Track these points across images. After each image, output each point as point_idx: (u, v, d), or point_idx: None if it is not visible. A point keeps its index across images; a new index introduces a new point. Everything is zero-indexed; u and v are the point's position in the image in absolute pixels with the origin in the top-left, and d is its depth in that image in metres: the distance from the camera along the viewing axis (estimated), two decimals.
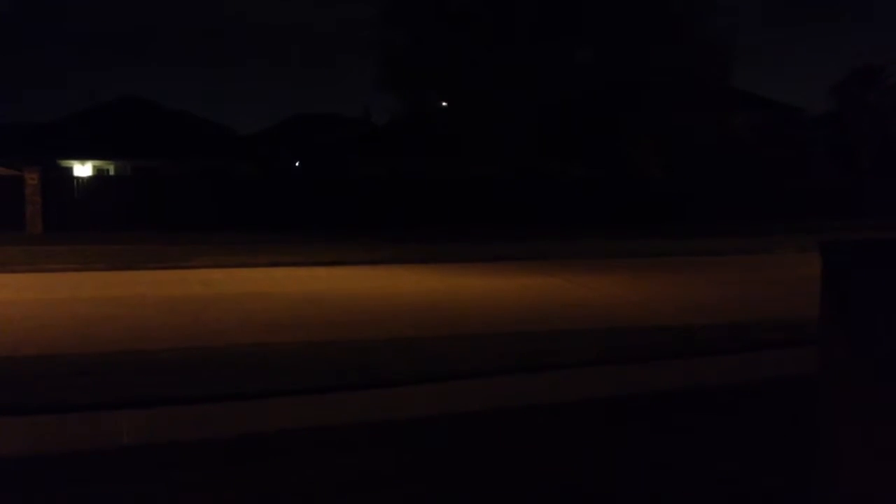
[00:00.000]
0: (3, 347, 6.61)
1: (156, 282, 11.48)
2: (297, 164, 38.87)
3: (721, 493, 3.59)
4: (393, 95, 36.44)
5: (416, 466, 3.93)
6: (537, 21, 24.31)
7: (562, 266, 13.51)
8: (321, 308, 9.06)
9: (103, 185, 24.23)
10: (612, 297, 10.06)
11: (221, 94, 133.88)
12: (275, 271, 13.04)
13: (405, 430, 4.54)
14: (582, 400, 5.24)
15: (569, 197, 25.40)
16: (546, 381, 5.78)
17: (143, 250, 15.87)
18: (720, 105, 25.21)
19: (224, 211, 22.59)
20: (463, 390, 5.51)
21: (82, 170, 30.56)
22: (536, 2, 24.56)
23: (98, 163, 31.31)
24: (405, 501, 3.50)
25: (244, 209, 22.83)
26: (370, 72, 48.81)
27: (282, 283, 11.50)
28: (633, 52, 24.90)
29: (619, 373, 6.06)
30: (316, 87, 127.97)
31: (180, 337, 7.18)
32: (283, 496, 3.55)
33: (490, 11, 24.49)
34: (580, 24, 25.42)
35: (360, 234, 20.02)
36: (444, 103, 27.98)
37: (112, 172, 31.03)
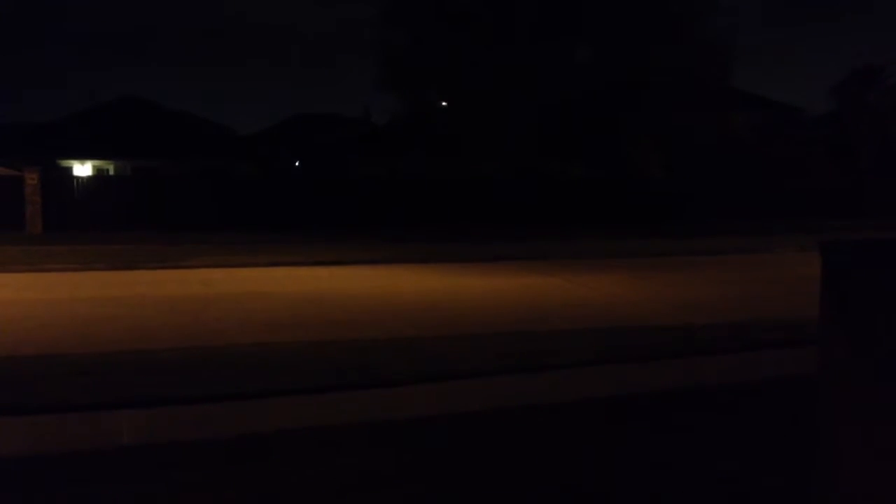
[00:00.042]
0: (3, 347, 6.61)
1: (156, 281, 11.48)
2: (297, 163, 38.88)
3: (721, 492, 3.59)
4: (393, 95, 36.53)
5: (416, 466, 3.93)
6: (537, 21, 24.32)
7: (562, 266, 13.52)
8: (321, 308, 9.06)
9: (103, 185, 24.23)
10: (612, 296, 10.06)
11: (221, 94, 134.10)
12: (275, 271, 13.04)
13: (405, 430, 4.54)
14: (582, 400, 5.24)
15: (569, 197, 25.41)
16: (546, 380, 5.78)
17: (142, 250, 15.87)
18: (720, 105, 25.22)
19: (224, 211, 22.60)
20: (463, 390, 5.51)
21: (82, 170, 30.57)
22: (536, 2, 24.56)
23: (98, 163, 31.32)
24: (405, 501, 3.50)
25: (244, 209, 22.84)
26: (370, 72, 48.87)
27: (282, 282, 11.50)
28: (632, 52, 24.91)
29: (619, 372, 6.06)
30: (316, 87, 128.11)
31: (180, 337, 7.18)
32: (283, 496, 3.55)
33: (490, 11, 24.50)
34: (580, 24, 25.43)
35: (361, 233, 20.03)
36: (444, 103, 27.99)
37: (112, 172, 31.04)
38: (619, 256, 15.34)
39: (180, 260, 14.07)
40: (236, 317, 8.35)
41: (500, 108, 24.01)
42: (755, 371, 6.09)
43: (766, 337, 7.16)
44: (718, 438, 4.39)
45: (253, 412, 4.95)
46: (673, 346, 6.87)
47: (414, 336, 7.26)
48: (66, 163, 30.54)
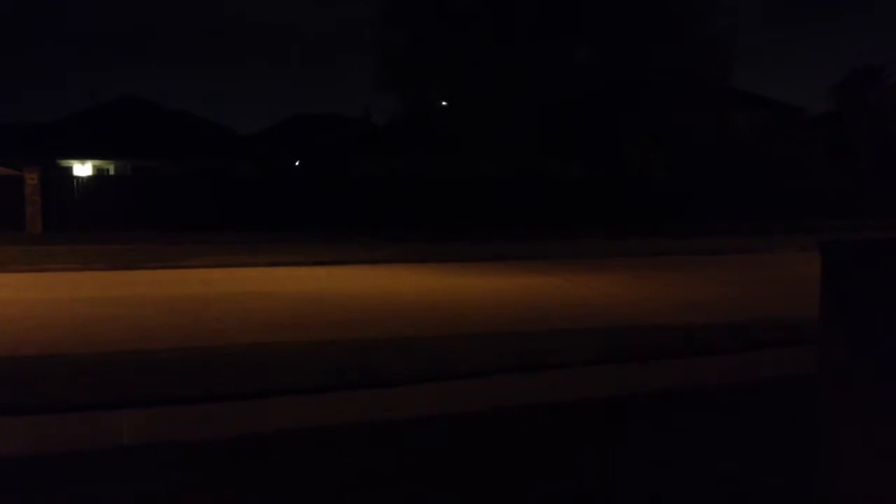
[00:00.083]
0: (4, 347, 6.61)
1: (156, 281, 11.48)
2: (297, 163, 38.88)
3: (721, 492, 3.59)
4: (393, 95, 36.51)
5: (416, 466, 3.93)
6: (537, 21, 24.31)
7: (562, 265, 13.52)
8: (321, 307, 9.06)
9: (103, 185, 24.22)
10: (612, 296, 10.06)
11: (221, 94, 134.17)
12: (275, 271, 13.05)
13: (405, 430, 4.54)
14: (582, 399, 5.24)
15: (569, 197, 25.41)
16: (546, 380, 5.78)
17: (142, 250, 15.87)
18: (720, 105, 25.23)
19: (224, 211, 22.60)
20: (463, 390, 5.51)
21: (82, 170, 30.56)
22: (536, 2, 24.56)
23: (98, 163, 31.31)
24: (405, 501, 3.50)
25: (244, 209, 22.84)
26: (370, 72, 48.76)
27: (282, 282, 11.50)
28: (632, 52, 24.90)
29: (619, 372, 6.07)
30: (316, 87, 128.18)
31: (180, 336, 7.18)
32: (284, 496, 3.56)
33: (490, 11, 24.50)
34: (580, 24, 25.42)
35: (360, 233, 20.03)
36: (444, 103, 27.99)
37: (112, 172, 31.03)
38: (619, 256, 15.35)
39: (180, 260, 14.07)
40: (236, 317, 8.36)
41: (500, 108, 24.01)
42: (755, 371, 6.09)
43: (766, 337, 7.17)
44: (718, 438, 4.39)
45: (253, 412, 4.95)
46: (673, 345, 6.88)
47: (414, 336, 7.27)
48: (66, 163, 30.53)
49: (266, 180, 26.25)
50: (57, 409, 4.85)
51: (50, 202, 21.34)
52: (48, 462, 3.99)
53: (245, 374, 5.78)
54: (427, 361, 6.21)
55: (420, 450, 4.19)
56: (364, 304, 9.36)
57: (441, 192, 24.57)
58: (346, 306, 9.15)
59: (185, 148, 30.53)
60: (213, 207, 22.62)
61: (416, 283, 11.43)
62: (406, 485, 3.67)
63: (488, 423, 4.70)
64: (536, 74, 24.10)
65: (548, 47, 24.72)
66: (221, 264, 13.62)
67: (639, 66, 24.96)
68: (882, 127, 30.97)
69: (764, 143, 27.68)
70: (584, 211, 24.93)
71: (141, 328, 7.65)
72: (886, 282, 2.44)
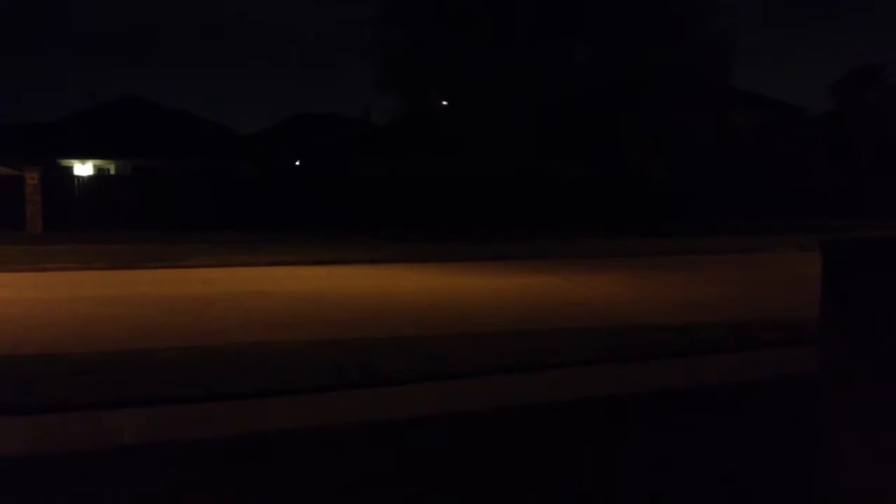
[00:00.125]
0: (4, 346, 6.61)
1: (156, 281, 11.48)
2: (297, 163, 38.87)
3: (722, 492, 3.59)
4: (393, 95, 36.54)
5: (416, 466, 3.93)
6: (537, 21, 24.32)
7: (562, 265, 13.52)
8: (321, 307, 9.06)
9: (103, 184, 24.24)
10: (612, 296, 10.06)
11: (221, 94, 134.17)
12: (275, 270, 13.05)
13: (405, 430, 4.54)
14: (582, 399, 5.24)
15: (569, 197, 25.42)
16: (546, 379, 5.78)
17: (143, 249, 15.88)
18: (720, 105, 25.24)
19: (224, 210, 22.61)
20: (463, 389, 5.51)
21: (83, 169, 30.57)
22: (536, 2, 24.56)
23: (98, 162, 31.32)
24: (405, 501, 3.51)
25: (244, 209, 22.85)
26: (370, 72, 48.82)
27: (282, 282, 11.50)
28: (632, 52, 24.91)
29: (619, 372, 6.07)
30: (316, 87, 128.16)
31: (181, 336, 7.18)
32: (284, 496, 3.56)
33: (490, 11, 24.50)
34: (580, 24, 25.43)
35: (361, 233, 20.03)
36: (444, 103, 27.99)
37: (112, 172, 31.04)
38: (619, 256, 15.35)
39: (181, 259, 14.08)
40: (236, 316, 8.36)
41: (500, 108, 24.02)
42: (755, 370, 6.09)
43: (767, 336, 7.17)
44: (719, 438, 4.39)
45: (253, 412, 4.95)
46: (673, 345, 6.88)
47: (414, 335, 7.27)
48: (66, 162, 30.54)
49: (266, 180, 26.27)
50: (57, 408, 4.85)
51: (50, 202, 21.35)
52: (48, 461, 3.99)
53: (245, 373, 5.78)
54: (427, 361, 6.21)
55: (420, 449, 4.19)
56: (364, 303, 9.36)
57: (441, 191, 24.58)
58: (347, 306, 9.15)
59: (186, 148, 30.54)
60: (213, 207, 22.63)
61: (416, 283, 11.44)
62: (406, 484, 3.67)
63: (488, 422, 4.70)
64: (536, 74, 24.11)
65: (548, 47, 24.73)
66: (222, 264, 13.63)
67: (639, 66, 24.97)
68: (882, 126, 30.97)
69: (764, 143, 27.68)
70: (584, 211, 24.93)
71: (141, 327, 7.66)
72: (887, 281, 2.44)
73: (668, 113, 24.40)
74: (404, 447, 4.23)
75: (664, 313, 8.68)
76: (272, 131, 44.85)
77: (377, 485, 3.66)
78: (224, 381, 5.50)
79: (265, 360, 6.22)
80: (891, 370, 2.35)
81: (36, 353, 6.36)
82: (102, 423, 4.66)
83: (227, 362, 6.14)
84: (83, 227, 20.76)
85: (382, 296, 10.06)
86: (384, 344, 6.86)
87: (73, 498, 3.53)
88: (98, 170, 31.12)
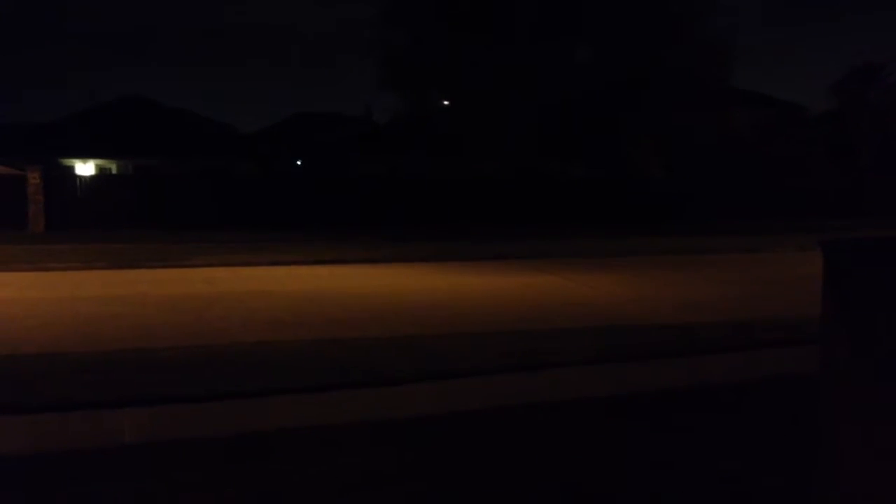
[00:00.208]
0: (5, 346, 6.62)
1: (157, 280, 11.49)
2: (298, 162, 38.85)
3: (722, 492, 3.60)
4: (393, 95, 36.53)
5: (417, 465, 3.93)
6: (537, 21, 24.31)
7: (562, 265, 13.52)
8: (322, 306, 9.07)
9: (105, 184, 24.25)
10: (613, 295, 10.07)
11: (221, 94, 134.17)
12: (276, 270, 13.06)
13: (407, 429, 4.54)
14: (583, 398, 5.25)
15: (569, 197, 25.43)
16: (547, 379, 5.78)
17: (144, 249, 15.88)
18: (720, 104, 25.23)
19: (225, 210, 22.62)
20: (464, 389, 5.52)
21: (84, 169, 30.56)
22: (536, 2, 24.55)
23: (100, 162, 31.31)
24: (407, 500, 3.51)
25: (245, 208, 22.86)
26: (370, 72, 48.85)
27: (283, 281, 11.51)
28: (632, 52, 24.92)
29: (619, 371, 6.07)
30: (316, 87, 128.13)
31: (182, 335, 7.19)
32: (285, 495, 3.56)
33: (490, 11, 24.49)
34: (580, 24, 25.43)
35: (361, 232, 20.04)
36: (445, 103, 27.99)
37: (114, 171, 31.04)
38: (620, 256, 15.36)
39: (182, 259, 14.08)
40: (238, 315, 8.36)
41: (500, 108, 24.03)
42: (756, 370, 6.10)
43: (767, 336, 7.18)
44: (719, 438, 4.40)
45: (254, 411, 4.96)
46: (673, 345, 6.88)
47: (415, 334, 7.27)
48: (67, 162, 30.52)
49: (267, 179, 26.27)
50: (58, 407, 4.86)
51: (52, 201, 21.36)
52: (49, 461, 3.99)
53: (246, 372, 5.79)
54: (428, 360, 6.21)
55: (421, 448, 4.19)
56: (365, 302, 9.37)
57: (442, 191, 24.60)
58: (348, 305, 9.16)
59: (187, 147, 30.52)
60: (214, 206, 22.64)
61: (417, 282, 11.44)
62: (408, 483, 3.68)
63: (489, 421, 4.70)
64: (536, 74, 24.12)
65: (548, 47, 24.73)
66: (223, 263, 13.63)
67: (639, 66, 24.98)
68: (883, 125, 30.95)
69: (764, 143, 27.67)
70: (584, 211, 24.94)
71: (142, 327, 7.66)
72: (887, 281, 2.44)
73: (668, 113, 24.39)
74: (405, 446, 4.23)
75: (664, 313, 8.69)
76: (273, 130, 44.80)
77: (379, 484, 3.66)
78: (225, 381, 5.51)
79: (266, 360, 6.23)
80: (891, 370, 2.36)
81: (37, 353, 6.37)
82: (103, 422, 4.67)
83: (228, 361, 6.15)
84: (85, 227, 20.77)
85: (383, 295, 10.07)
86: (385, 343, 6.87)
87: (73, 497, 3.53)
88: (99, 169, 31.12)
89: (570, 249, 16.40)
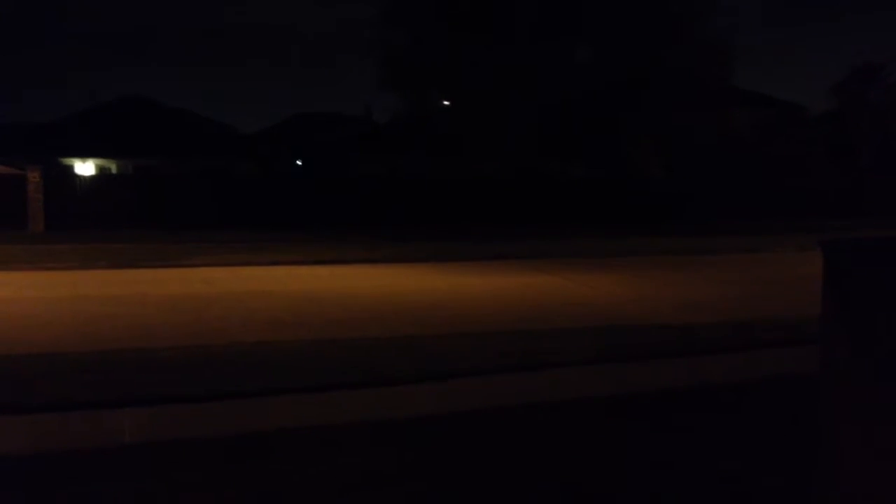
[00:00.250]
0: (5, 345, 6.62)
1: (157, 280, 11.49)
2: (298, 162, 38.85)
3: (722, 491, 3.60)
4: (394, 95, 36.51)
5: (417, 465, 3.93)
6: (537, 21, 24.30)
7: (562, 265, 13.52)
8: (322, 306, 9.07)
9: (105, 183, 24.24)
10: (613, 295, 10.07)
11: (221, 94, 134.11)
12: (276, 270, 13.05)
13: (407, 429, 4.54)
14: (583, 398, 5.25)
15: (569, 197, 25.42)
16: (547, 379, 5.79)
17: (144, 249, 15.88)
18: (720, 105, 25.22)
19: (225, 210, 22.60)
20: (464, 388, 5.52)
21: (84, 168, 30.56)
22: (536, 2, 24.55)
23: (99, 161, 31.31)
24: (407, 500, 3.51)
25: (245, 208, 22.85)
26: (370, 72, 48.81)
27: (283, 281, 11.51)
28: (633, 52, 24.91)
29: (619, 371, 6.07)
30: (316, 87, 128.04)
31: (181, 335, 7.19)
32: (285, 495, 3.56)
33: (490, 11, 24.49)
34: (580, 24, 25.42)
35: (362, 232, 20.03)
36: (445, 102, 27.98)
37: (114, 171, 31.04)
38: (620, 256, 15.35)
39: (182, 258, 14.08)
40: (237, 315, 8.36)
41: (500, 108, 24.02)
42: (755, 370, 6.10)
43: (767, 336, 7.18)
44: (719, 437, 4.40)
45: (254, 411, 4.96)
46: (673, 345, 6.88)
47: (415, 334, 7.27)
48: (67, 161, 30.52)
49: (267, 179, 26.27)
50: (58, 407, 4.86)
51: (52, 201, 21.35)
52: (49, 460, 3.99)
53: (246, 372, 5.79)
54: (428, 360, 6.21)
55: (421, 448, 4.19)
56: (365, 302, 9.37)
57: (442, 191, 24.59)
58: (348, 305, 9.16)
59: (187, 147, 30.52)
60: (214, 206, 22.62)
61: (417, 282, 11.44)
62: (408, 483, 3.68)
63: (489, 421, 4.70)
64: (536, 74, 24.10)
65: (548, 47, 24.72)
66: (223, 263, 13.63)
67: (639, 66, 24.97)
68: (883, 125, 30.96)
69: (764, 143, 27.67)
70: (584, 211, 24.93)
71: (142, 326, 7.66)
72: (887, 281, 2.44)
73: (668, 113, 24.38)
74: (406, 446, 4.23)
75: (664, 313, 8.69)
76: (273, 130, 44.79)
77: (379, 484, 3.66)
78: (225, 381, 5.51)
79: (266, 360, 6.23)
80: (891, 370, 2.36)
81: (37, 352, 6.37)
82: (103, 422, 4.67)
83: (228, 361, 6.15)
84: (84, 227, 20.75)
85: (383, 295, 10.07)
86: (385, 343, 6.87)
87: (73, 497, 3.53)
88: (99, 169, 31.12)
89: (570, 249, 16.39)
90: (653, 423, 4.69)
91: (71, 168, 30.12)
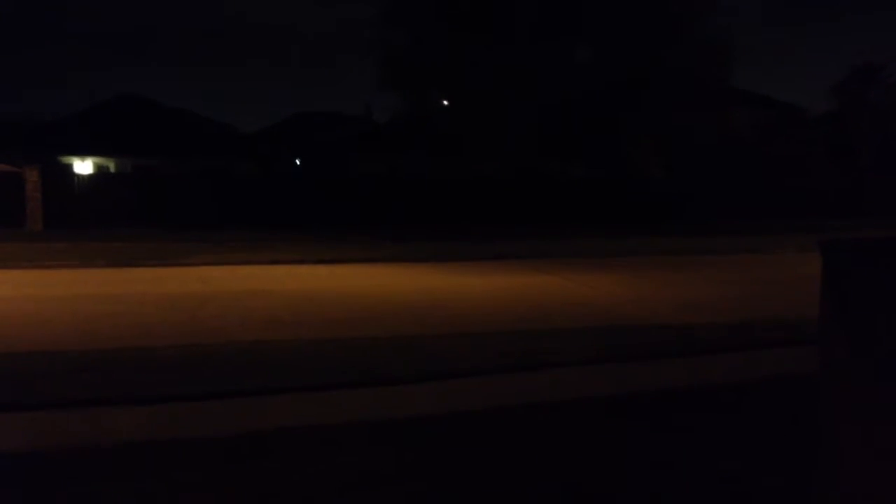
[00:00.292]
0: (3, 343, 6.61)
1: (156, 279, 11.48)
2: (297, 162, 38.85)
3: (722, 492, 3.59)
4: (394, 95, 36.48)
5: (417, 465, 3.93)
6: (537, 21, 24.30)
7: (562, 265, 13.52)
8: (321, 306, 9.06)
9: (103, 182, 24.22)
10: (613, 295, 10.06)
11: (221, 94, 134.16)
12: (275, 269, 13.05)
13: (406, 429, 4.54)
14: (582, 398, 5.24)
15: (569, 197, 25.44)
16: (546, 379, 5.78)
17: (143, 247, 15.87)
18: (720, 105, 25.24)
19: (224, 209, 22.61)
20: (464, 388, 5.51)
21: (82, 167, 30.55)
22: (536, 2, 24.54)
23: (98, 160, 31.31)
24: (406, 500, 3.50)
25: (245, 207, 22.86)
26: (370, 71, 48.73)
27: (282, 280, 11.50)
28: (633, 52, 24.90)
29: (619, 371, 6.06)
30: (316, 87, 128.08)
31: (180, 334, 7.18)
32: (284, 494, 3.56)
33: (490, 11, 24.48)
34: (580, 24, 25.41)
35: (361, 232, 20.03)
36: (445, 102, 27.97)
37: (112, 170, 31.04)
38: (620, 256, 15.36)
39: (181, 257, 14.07)
40: (236, 314, 8.36)
41: (500, 108, 24.01)
42: (755, 370, 6.09)
43: (767, 336, 7.17)
44: (719, 438, 4.39)
45: (253, 410, 4.95)
46: (673, 345, 6.88)
47: (414, 334, 7.27)
48: (66, 160, 30.51)
49: (267, 178, 26.28)
50: (56, 405, 4.85)
51: (50, 199, 21.35)
52: (48, 459, 3.99)
53: (245, 371, 5.78)
54: (427, 360, 6.21)
55: (421, 448, 4.19)
56: (365, 302, 9.36)
57: (442, 191, 24.61)
58: (347, 304, 9.15)
59: (186, 146, 30.53)
60: (213, 206, 22.63)
61: (416, 282, 11.43)
62: (407, 483, 3.67)
63: (489, 421, 4.70)
64: (536, 74, 24.10)
65: (548, 47, 24.71)
66: (222, 262, 13.63)
67: (639, 66, 24.96)
68: (883, 125, 30.96)
69: (764, 143, 27.70)
70: (584, 211, 24.95)
71: (141, 325, 7.66)
72: (887, 281, 2.44)
73: (668, 113, 24.39)
74: (405, 446, 4.23)
75: (664, 313, 8.68)
76: (273, 130, 44.77)
77: (378, 484, 3.66)
78: (224, 380, 5.50)
79: (265, 359, 6.22)
80: (891, 370, 2.35)
81: (35, 351, 6.36)
82: (102, 420, 4.66)
83: (227, 360, 6.14)
84: (83, 225, 20.77)
85: (383, 295, 10.06)
86: (384, 343, 6.86)
87: (71, 496, 3.52)
88: (98, 168, 31.12)
89: (570, 249, 16.39)
90: (653, 423, 4.69)
91: (70, 167, 30.09)
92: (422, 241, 17.96)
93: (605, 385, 5.64)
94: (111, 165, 31.38)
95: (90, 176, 25.60)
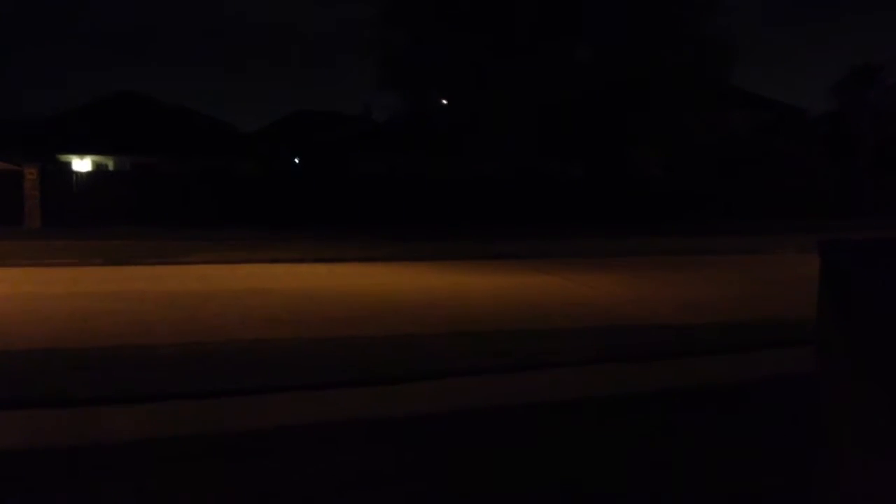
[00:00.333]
0: (2, 341, 6.60)
1: (155, 277, 11.47)
2: (297, 161, 38.83)
3: (722, 491, 3.59)
4: (393, 95, 36.51)
5: (416, 464, 3.92)
6: (537, 21, 24.27)
7: (562, 265, 13.52)
8: (321, 304, 9.05)
9: (102, 180, 24.19)
10: (613, 295, 10.06)
11: (221, 94, 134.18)
12: (275, 268, 13.04)
13: (405, 428, 4.53)
14: (582, 398, 5.24)
15: (569, 197, 25.43)
16: (546, 378, 5.78)
17: (142, 246, 15.86)
18: (720, 105, 25.23)
19: (224, 207, 22.59)
20: (463, 388, 5.50)
21: (81, 165, 30.54)
22: (536, 2, 24.52)
23: (97, 158, 31.29)
24: (405, 499, 3.50)
25: (244, 206, 22.83)
26: (370, 71, 48.61)
27: (281, 279, 11.50)
28: (633, 52, 24.88)
29: (619, 371, 6.06)
30: (316, 86, 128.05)
31: (180, 332, 7.17)
32: (283, 493, 3.55)
33: (490, 11, 24.45)
34: (580, 24, 25.39)
35: (361, 231, 20.02)
36: (444, 102, 27.95)
37: (111, 168, 31.02)
38: (620, 256, 15.35)
39: (180, 256, 14.06)
40: (236, 313, 8.35)
41: (500, 108, 23.99)
42: (755, 370, 6.09)
43: (767, 336, 7.17)
44: (719, 438, 4.39)
45: (253, 408, 4.94)
46: (673, 345, 6.88)
47: (414, 333, 7.26)
48: (65, 158, 30.50)
49: (266, 177, 26.25)
50: (56, 403, 4.85)
51: (49, 197, 21.32)
52: (47, 457, 3.98)
53: (245, 370, 5.78)
54: (427, 359, 6.20)
55: (420, 447, 4.19)
56: (364, 301, 9.36)
57: (441, 191, 24.60)
58: (346, 303, 9.15)
59: (185, 144, 30.51)
60: (212, 204, 22.61)
61: (415, 281, 11.43)
62: (406, 482, 3.67)
63: (488, 421, 4.69)
64: (536, 74, 24.07)
65: (548, 47, 24.68)
66: (221, 261, 13.62)
67: (639, 66, 24.94)
68: (882, 126, 30.98)
69: (764, 143, 27.71)
70: (584, 211, 24.94)
71: (140, 323, 7.65)
72: (886, 282, 2.43)
73: (668, 113, 24.39)
74: (404, 445, 4.22)
75: (664, 313, 8.68)
76: (272, 129, 44.71)
77: (377, 483, 3.65)
78: (223, 378, 5.50)
79: (265, 357, 6.22)
80: (891, 370, 2.35)
81: (34, 348, 6.35)
82: (101, 418, 4.66)
83: (227, 359, 6.14)
84: (82, 223, 20.73)
85: (382, 294, 10.06)
86: (384, 342, 6.86)
87: (71, 494, 3.52)
88: (97, 165, 31.10)
89: (570, 249, 16.39)
90: (653, 423, 4.68)
91: (68, 165, 30.08)
92: (421, 241, 17.96)
93: (605, 385, 5.64)
94: (110, 163, 31.36)
95: (89, 174, 25.57)
